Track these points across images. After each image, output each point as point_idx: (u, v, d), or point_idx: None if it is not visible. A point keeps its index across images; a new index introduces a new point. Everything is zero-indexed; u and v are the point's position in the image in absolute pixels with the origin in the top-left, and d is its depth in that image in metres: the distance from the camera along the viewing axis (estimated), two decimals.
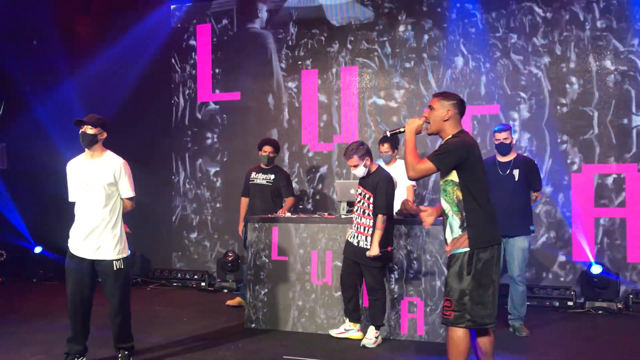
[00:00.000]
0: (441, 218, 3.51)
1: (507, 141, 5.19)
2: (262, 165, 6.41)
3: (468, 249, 3.26)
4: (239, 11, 7.98)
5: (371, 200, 4.79)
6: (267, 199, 6.28)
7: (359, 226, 4.86)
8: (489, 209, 3.35)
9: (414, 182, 5.85)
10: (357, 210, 4.91)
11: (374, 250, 4.67)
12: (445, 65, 7.04)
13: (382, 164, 5.71)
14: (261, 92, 7.85)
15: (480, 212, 3.30)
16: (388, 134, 3.70)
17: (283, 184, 6.33)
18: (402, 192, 5.77)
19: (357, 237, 4.85)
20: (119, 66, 8.19)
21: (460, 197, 3.29)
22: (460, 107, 3.42)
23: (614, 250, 6.43)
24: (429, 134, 3.50)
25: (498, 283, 3.35)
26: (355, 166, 4.84)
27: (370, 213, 4.79)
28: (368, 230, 4.79)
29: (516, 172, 5.15)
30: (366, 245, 4.78)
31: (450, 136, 3.38)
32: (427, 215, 3.53)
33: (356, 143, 4.90)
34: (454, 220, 3.33)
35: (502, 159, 5.26)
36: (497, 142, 5.26)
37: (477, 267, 3.24)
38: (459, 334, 3.27)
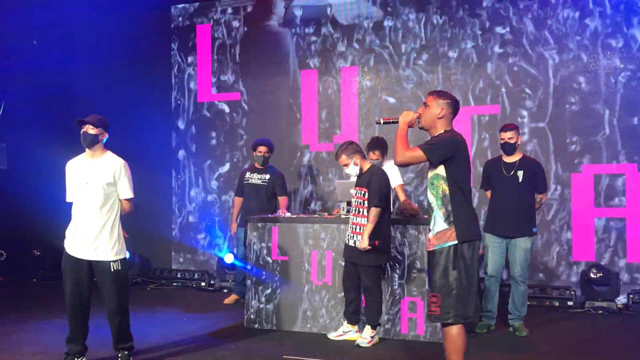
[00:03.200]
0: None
1: (512, 141, 5.16)
2: (257, 166, 6.48)
3: (454, 243, 3.30)
4: (242, 10, 7.97)
5: (366, 195, 4.78)
6: (262, 198, 6.36)
7: (354, 226, 4.85)
8: (471, 206, 3.44)
9: (402, 182, 5.89)
10: (352, 211, 4.92)
11: (364, 243, 4.66)
12: (451, 64, 7.03)
13: None
14: (262, 92, 7.84)
15: (466, 206, 3.36)
16: (382, 121, 3.69)
17: (278, 184, 6.42)
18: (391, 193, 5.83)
19: (353, 237, 4.83)
20: (119, 66, 8.20)
21: (447, 191, 3.34)
22: (454, 106, 3.48)
23: (614, 250, 6.43)
24: (420, 128, 3.53)
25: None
26: (346, 165, 4.88)
27: (365, 211, 4.77)
28: (362, 229, 4.78)
29: (520, 174, 5.13)
30: None
31: (441, 132, 3.45)
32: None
33: (345, 143, 4.97)
34: (438, 215, 3.37)
35: (507, 159, 5.24)
36: (502, 142, 5.23)
37: (462, 261, 3.29)
38: (455, 330, 3.32)
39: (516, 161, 5.19)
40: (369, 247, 4.66)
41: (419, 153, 3.34)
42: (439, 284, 3.32)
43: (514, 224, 5.10)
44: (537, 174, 5.20)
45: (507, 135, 5.18)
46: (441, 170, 3.36)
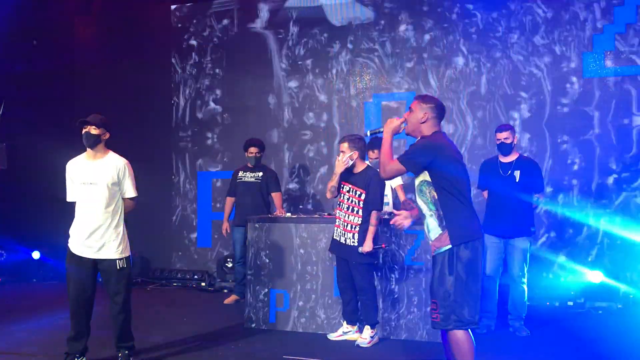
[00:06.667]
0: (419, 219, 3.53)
1: (508, 141, 5.17)
2: (249, 165, 6.55)
3: (449, 247, 3.25)
4: (239, 11, 7.98)
5: (362, 197, 4.78)
6: (256, 196, 6.44)
7: (346, 224, 4.85)
8: (468, 206, 3.33)
9: (402, 182, 5.92)
10: (343, 207, 4.89)
11: (368, 246, 4.68)
12: (445, 65, 7.05)
13: None
14: (261, 92, 7.85)
15: (458, 209, 3.28)
16: (368, 133, 3.72)
17: (272, 180, 6.50)
18: (391, 193, 5.87)
19: (345, 235, 4.84)
20: (119, 66, 8.20)
21: (436, 196, 3.29)
22: (438, 111, 3.45)
23: (614, 250, 6.43)
24: (406, 134, 3.53)
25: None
26: (343, 152, 4.82)
27: (360, 210, 4.78)
28: (355, 227, 4.79)
29: (517, 173, 5.13)
30: (353, 243, 4.77)
31: (419, 139, 3.44)
32: (403, 219, 3.56)
33: (356, 135, 5.00)
34: (432, 220, 3.33)
35: (503, 159, 5.24)
36: (498, 142, 5.24)
37: (458, 265, 3.22)
38: (459, 335, 3.24)
39: (513, 161, 5.19)
40: (371, 251, 4.70)
41: (398, 166, 3.33)
42: (436, 290, 3.27)
43: (512, 224, 5.10)
44: (534, 174, 5.19)
45: (503, 136, 5.18)
46: (426, 176, 3.31)
